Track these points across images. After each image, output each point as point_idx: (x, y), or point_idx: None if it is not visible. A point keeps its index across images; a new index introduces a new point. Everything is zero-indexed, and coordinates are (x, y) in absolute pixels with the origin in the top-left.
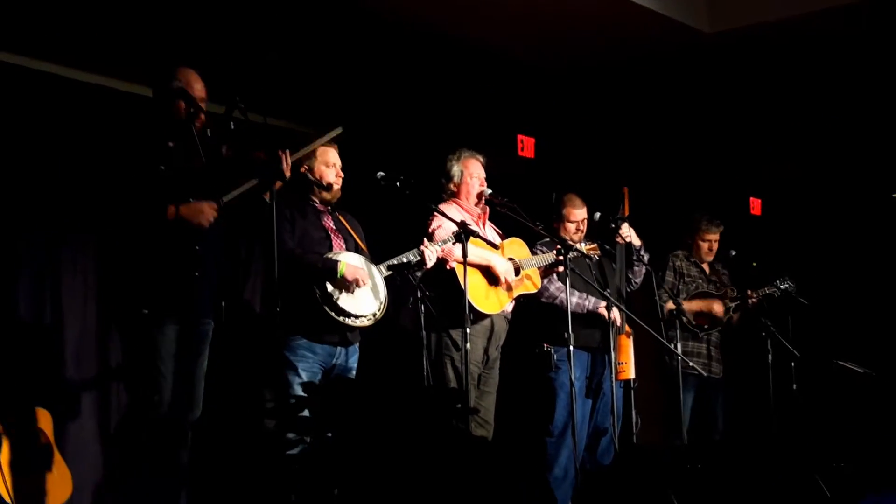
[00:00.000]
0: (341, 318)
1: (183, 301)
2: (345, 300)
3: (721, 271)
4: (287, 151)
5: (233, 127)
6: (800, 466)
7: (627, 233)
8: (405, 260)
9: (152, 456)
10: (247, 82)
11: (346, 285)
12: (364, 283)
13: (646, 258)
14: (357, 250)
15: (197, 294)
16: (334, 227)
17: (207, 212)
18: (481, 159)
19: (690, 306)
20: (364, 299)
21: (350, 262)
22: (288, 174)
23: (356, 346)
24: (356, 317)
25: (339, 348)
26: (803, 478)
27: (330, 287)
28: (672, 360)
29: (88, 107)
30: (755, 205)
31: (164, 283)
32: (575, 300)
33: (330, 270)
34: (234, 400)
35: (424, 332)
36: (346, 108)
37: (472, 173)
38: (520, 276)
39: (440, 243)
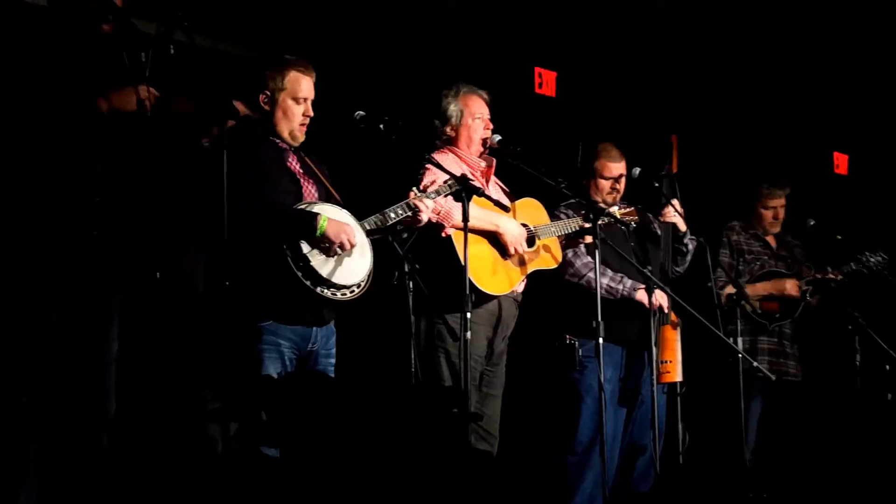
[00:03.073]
0: (319, 289)
1: (72, 271)
2: (324, 265)
3: (792, 243)
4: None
5: (172, 52)
6: None
7: (673, 214)
8: (392, 216)
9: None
10: None
11: (327, 246)
12: (351, 244)
13: (691, 247)
14: (329, 199)
15: (95, 259)
16: (301, 170)
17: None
18: (485, 96)
19: (755, 290)
20: (347, 265)
21: (332, 215)
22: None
23: (332, 325)
24: (338, 287)
25: (314, 329)
26: None
27: (306, 247)
28: (733, 358)
29: None
30: (841, 161)
31: (45, 245)
32: (605, 282)
33: (306, 225)
34: (168, 399)
35: (413, 318)
36: (319, 30)
37: (473, 113)
38: (535, 247)
39: (433, 195)
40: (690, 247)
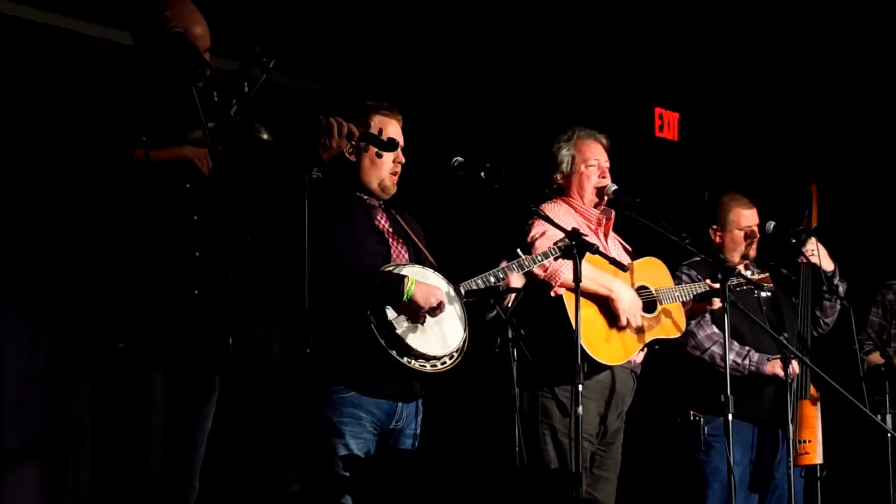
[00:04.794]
0: (405, 360)
1: (176, 331)
2: (411, 333)
3: None
4: (338, 119)
5: (247, 90)
6: None
7: (814, 250)
8: (493, 280)
9: None
10: (269, 29)
11: (415, 312)
12: (441, 310)
13: (841, 289)
14: (421, 261)
15: (198, 320)
16: (391, 229)
17: (197, 153)
18: (604, 141)
19: None
20: (438, 334)
21: (421, 278)
22: (335, 146)
23: (420, 402)
24: (427, 358)
25: (399, 404)
26: None
27: (392, 314)
28: (878, 434)
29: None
30: None
31: (146, 303)
32: (731, 357)
33: (393, 289)
34: (242, 481)
35: (517, 390)
36: (412, 67)
37: (587, 159)
38: (656, 313)
39: (539, 256)
40: (841, 289)
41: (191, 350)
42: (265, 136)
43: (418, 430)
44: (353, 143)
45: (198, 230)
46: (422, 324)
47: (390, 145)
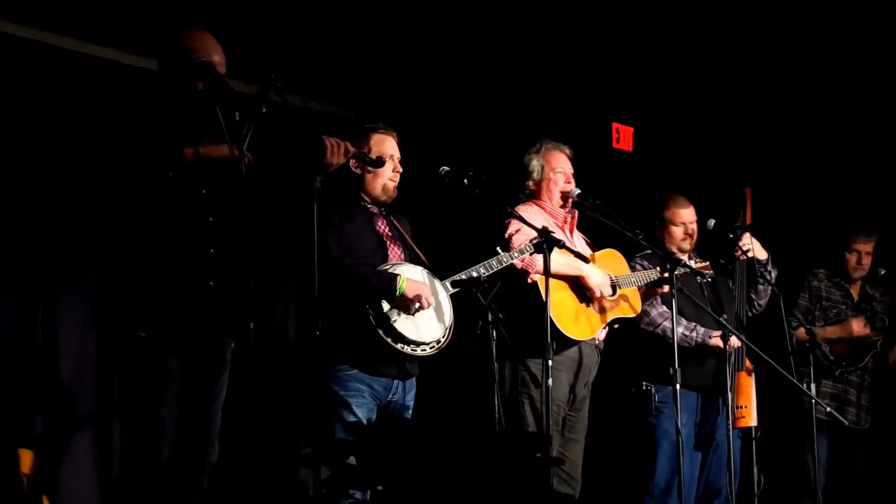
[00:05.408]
0: (399, 346)
1: (191, 320)
2: (404, 323)
3: (873, 295)
4: (337, 140)
5: (264, 110)
6: None
7: (749, 243)
8: (475, 275)
9: None
10: (281, 55)
11: (407, 305)
12: (428, 303)
13: (773, 275)
14: (415, 260)
15: (212, 308)
16: (389, 233)
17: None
18: (567, 152)
19: (825, 333)
20: (427, 323)
21: (411, 276)
22: (335, 162)
23: (414, 379)
24: (417, 344)
25: (395, 382)
26: None
27: (386, 307)
28: (806, 403)
29: (71, 89)
30: None
31: (166, 296)
32: (680, 330)
33: (387, 286)
34: (260, 445)
35: (496, 364)
36: (406, 89)
37: (554, 168)
38: (616, 296)
39: (515, 253)
40: (773, 275)
41: (205, 334)
42: (272, 151)
43: (411, 403)
44: (351, 159)
45: (213, 230)
46: (412, 315)
47: (377, 163)
